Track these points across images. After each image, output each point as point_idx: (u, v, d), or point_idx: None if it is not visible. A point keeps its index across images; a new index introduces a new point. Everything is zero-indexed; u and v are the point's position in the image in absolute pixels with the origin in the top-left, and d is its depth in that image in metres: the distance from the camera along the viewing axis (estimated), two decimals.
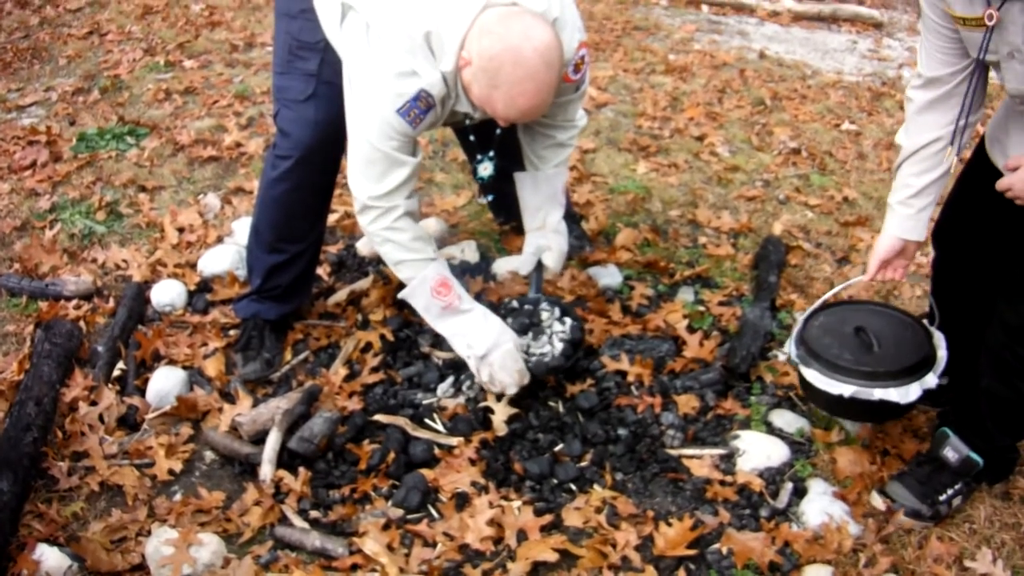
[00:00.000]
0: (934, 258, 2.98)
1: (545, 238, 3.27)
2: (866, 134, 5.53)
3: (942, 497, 2.81)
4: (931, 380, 2.80)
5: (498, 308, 3.27)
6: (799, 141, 5.36)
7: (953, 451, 2.80)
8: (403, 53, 2.55)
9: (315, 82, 2.95)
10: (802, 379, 2.89)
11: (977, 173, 2.67)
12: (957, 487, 2.83)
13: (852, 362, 2.80)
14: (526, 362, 3.08)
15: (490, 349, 2.90)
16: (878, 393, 2.76)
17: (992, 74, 2.40)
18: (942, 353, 2.86)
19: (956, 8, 2.26)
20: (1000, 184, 2.47)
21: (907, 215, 2.67)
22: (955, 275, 2.92)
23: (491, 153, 3.11)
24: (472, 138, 3.17)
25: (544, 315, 3.27)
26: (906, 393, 2.76)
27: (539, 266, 3.31)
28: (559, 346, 3.18)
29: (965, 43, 2.37)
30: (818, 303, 2.99)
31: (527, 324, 3.21)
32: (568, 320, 3.27)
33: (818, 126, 5.64)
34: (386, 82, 2.59)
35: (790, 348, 2.93)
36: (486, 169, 3.14)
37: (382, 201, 2.76)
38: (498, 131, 3.01)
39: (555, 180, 3.24)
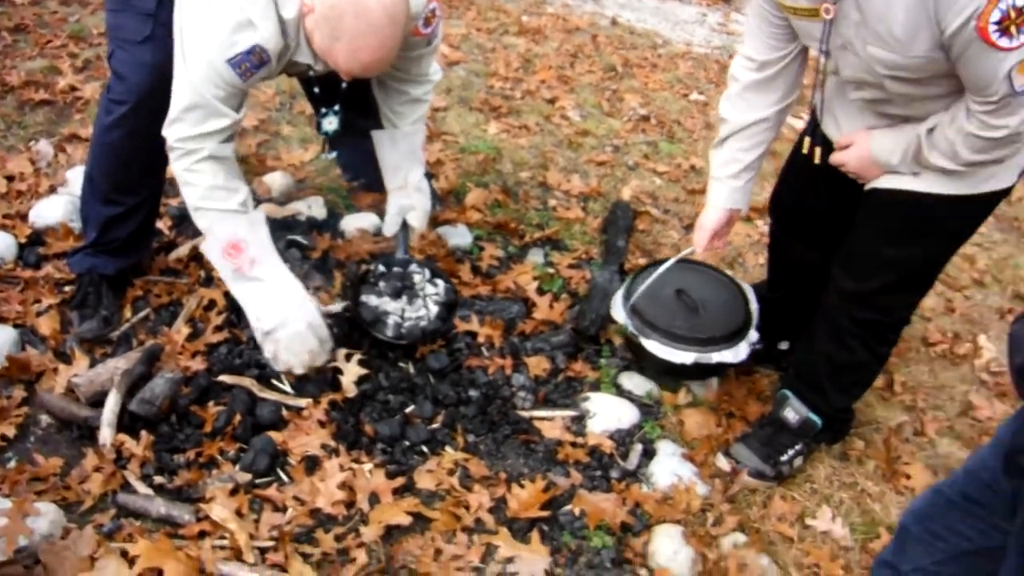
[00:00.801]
0: (771, 227, 3.07)
1: (408, 197, 3.20)
2: (713, 105, 5.63)
3: (783, 457, 2.89)
4: (754, 335, 3.03)
5: (368, 272, 3.21)
6: (649, 109, 5.43)
7: (793, 412, 2.88)
8: (240, 1, 2.45)
9: (152, 23, 2.77)
10: (638, 347, 2.98)
11: (808, 144, 2.75)
12: (798, 447, 2.92)
13: (687, 329, 2.96)
14: (399, 327, 3.05)
15: (277, 326, 2.75)
16: (715, 357, 2.95)
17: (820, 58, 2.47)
18: (754, 306, 3.09)
19: None
20: (834, 159, 2.56)
21: (735, 187, 2.77)
22: (791, 243, 3.02)
23: (336, 107, 3.03)
24: (317, 90, 3.06)
25: (416, 278, 3.22)
26: (737, 352, 2.99)
27: (404, 226, 3.25)
28: (434, 309, 3.15)
29: (797, 31, 2.45)
30: (648, 278, 3.05)
31: (399, 287, 3.16)
32: (440, 282, 3.24)
33: (667, 95, 5.72)
34: (221, 30, 2.47)
35: (621, 317, 3.01)
36: (331, 124, 3.06)
37: (188, 143, 2.62)
38: (344, 84, 2.93)
39: (414, 137, 3.19)
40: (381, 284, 3.15)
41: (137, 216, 3.10)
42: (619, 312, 3.08)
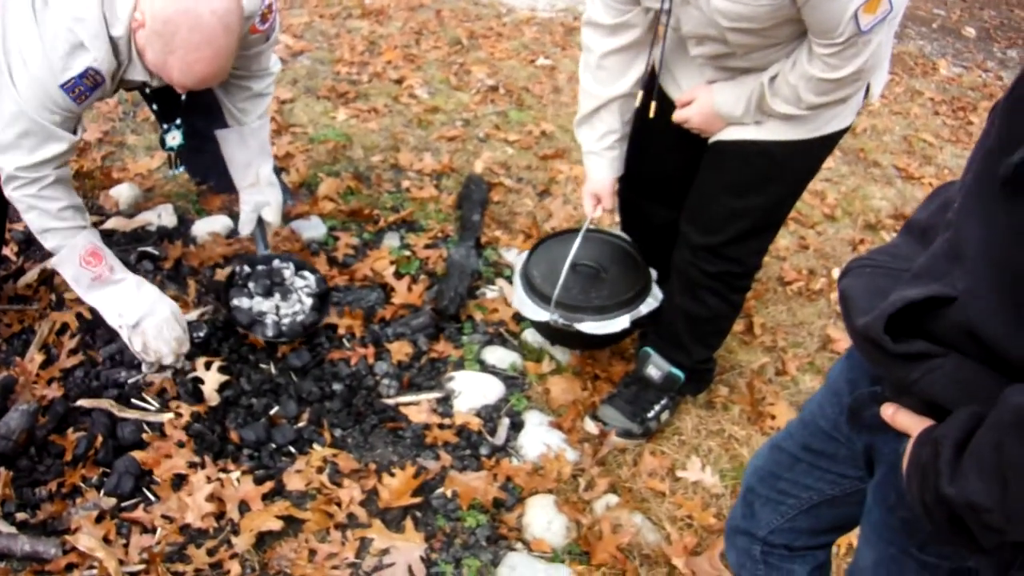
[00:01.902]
0: (620, 188, 3.08)
1: (261, 193, 3.16)
2: (560, 68, 5.65)
3: (650, 414, 2.94)
4: (654, 272, 3.05)
5: (234, 275, 3.15)
6: (496, 78, 5.42)
7: (656, 369, 2.93)
8: (73, 21, 2.36)
9: None
10: (568, 335, 2.98)
11: (650, 102, 2.77)
12: (663, 402, 2.97)
13: (609, 296, 2.95)
14: (278, 325, 3.02)
15: (142, 317, 2.76)
16: (644, 308, 2.95)
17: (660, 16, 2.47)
18: (633, 243, 3.13)
19: None
20: (676, 117, 2.58)
21: (614, 156, 2.79)
22: (640, 202, 3.04)
23: (177, 121, 2.98)
24: (155, 107, 2.99)
25: (285, 273, 3.19)
26: (656, 295, 3.01)
27: (260, 223, 3.21)
28: (308, 301, 3.13)
29: None
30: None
31: (269, 285, 3.12)
32: (308, 274, 3.22)
33: (514, 63, 5.71)
34: (52, 55, 2.39)
35: (541, 316, 2.96)
36: (174, 139, 3.01)
37: (30, 172, 2.57)
38: (183, 97, 2.87)
39: (261, 132, 3.14)
40: (251, 285, 3.11)
41: None
42: (533, 311, 2.99)
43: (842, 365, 1.63)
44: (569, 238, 2.98)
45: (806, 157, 2.54)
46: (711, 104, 2.49)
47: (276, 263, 3.21)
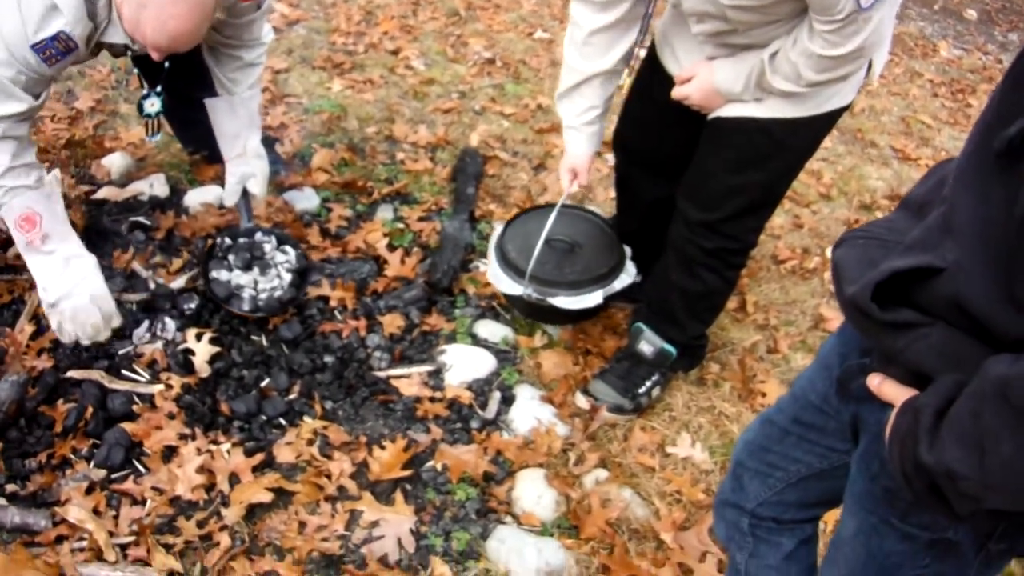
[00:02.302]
0: (616, 163, 3.08)
1: (248, 164, 3.13)
2: (558, 42, 5.61)
3: (641, 389, 2.94)
4: (627, 249, 3.08)
5: (215, 246, 3.14)
6: (493, 51, 5.39)
7: (648, 345, 2.93)
8: None
9: None
10: (543, 309, 2.99)
11: (650, 77, 2.76)
12: (655, 378, 2.97)
13: (581, 271, 2.98)
14: (255, 299, 3.01)
15: (61, 298, 2.70)
16: (617, 284, 2.98)
17: None
18: (606, 219, 3.16)
19: None
20: (676, 93, 2.56)
21: (593, 131, 2.78)
22: (637, 177, 3.03)
23: (158, 88, 2.95)
24: (137, 71, 2.97)
25: (266, 247, 3.17)
26: (630, 270, 3.05)
27: (245, 194, 3.19)
28: (287, 277, 3.12)
29: None
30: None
31: (249, 259, 3.11)
32: (289, 249, 3.20)
33: (512, 35, 5.68)
34: (27, 15, 2.35)
35: (515, 289, 2.98)
36: (152, 105, 2.97)
37: None
38: (167, 64, 2.85)
39: (251, 103, 3.11)
40: (230, 257, 3.09)
41: None
42: (508, 284, 3.01)
43: (834, 340, 1.64)
44: (544, 213, 2.98)
45: (806, 135, 2.53)
46: (711, 81, 2.47)
47: (259, 236, 3.20)
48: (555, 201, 2.97)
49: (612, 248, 3.04)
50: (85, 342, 2.78)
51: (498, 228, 3.23)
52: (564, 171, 2.88)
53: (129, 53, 2.71)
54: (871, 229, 1.34)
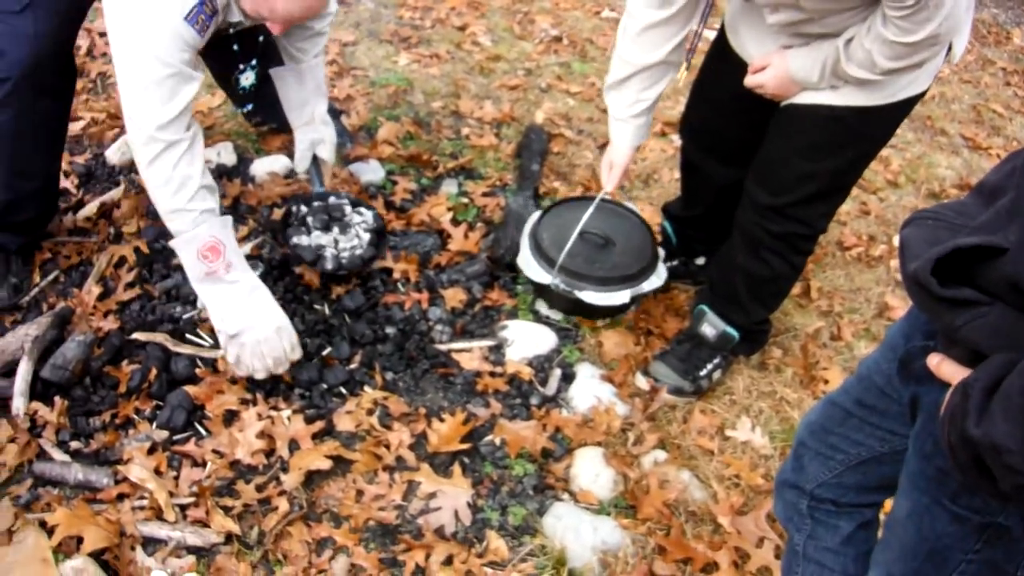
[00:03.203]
0: (682, 146, 3.05)
1: (316, 131, 3.15)
2: None
3: (702, 372, 2.92)
4: (661, 251, 3.13)
5: (289, 214, 3.16)
6: (560, 29, 5.36)
7: (710, 327, 2.91)
8: None
9: None
10: (571, 300, 3.00)
11: (719, 63, 2.73)
12: (716, 361, 2.95)
13: (611, 268, 3.00)
14: (337, 258, 3.03)
15: (243, 330, 2.61)
16: (646, 286, 2.99)
17: None
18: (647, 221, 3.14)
19: None
20: (749, 82, 2.53)
21: (639, 125, 2.76)
22: (703, 161, 3.01)
23: (254, 62, 2.96)
24: (236, 48, 2.95)
25: (345, 208, 3.20)
26: (660, 274, 3.05)
27: (315, 160, 3.21)
28: (366, 236, 3.14)
29: None
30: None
31: (327, 220, 3.13)
32: (364, 210, 3.23)
33: (579, 14, 5.65)
34: None
35: (543, 278, 3.01)
36: (248, 79, 2.99)
37: (168, 131, 2.43)
38: (261, 37, 2.87)
39: (317, 71, 3.12)
40: (309, 220, 3.12)
41: (37, 198, 3.00)
42: (537, 272, 3.03)
43: (900, 322, 1.65)
44: (583, 204, 2.99)
45: (881, 123, 2.49)
46: (786, 69, 2.43)
47: (331, 200, 3.21)
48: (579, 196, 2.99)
49: (645, 248, 3.06)
50: (262, 376, 2.68)
51: (534, 214, 3.23)
52: (605, 164, 2.88)
53: (231, 30, 2.72)
54: (941, 211, 1.34)
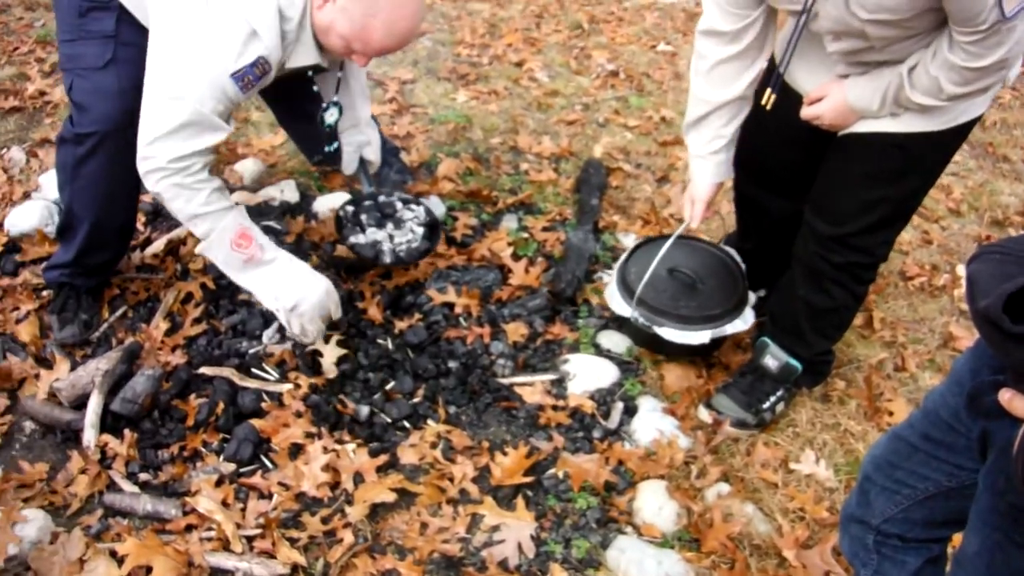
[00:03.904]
0: (736, 179, 3.04)
1: (362, 133, 3.21)
2: (682, 54, 5.59)
3: (765, 404, 2.90)
4: (753, 297, 3.08)
5: (341, 218, 3.21)
6: (617, 64, 5.39)
7: (773, 359, 2.89)
8: (248, 11, 2.38)
9: (113, 44, 2.68)
10: (648, 335, 2.99)
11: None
12: (779, 393, 2.93)
13: (695, 308, 2.97)
14: (395, 252, 3.10)
15: (300, 299, 2.75)
16: (729, 329, 2.97)
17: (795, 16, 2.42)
18: (742, 265, 3.15)
19: None
20: (806, 114, 2.53)
21: (720, 161, 2.77)
22: (759, 193, 3.01)
23: (335, 98, 3.01)
24: (316, 88, 3.00)
25: (397, 204, 3.26)
26: (746, 319, 3.03)
27: (362, 162, 3.27)
28: (419, 230, 3.20)
29: None
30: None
31: (380, 217, 3.20)
32: (414, 206, 3.28)
33: (635, 48, 5.68)
34: (227, 44, 2.40)
35: (624, 311, 3.01)
36: (332, 116, 3.02)
37: (180, 162, 2.52)
38: (339, 74, 2.92)
39: (360, 76, 3.18)
40: (363, 218, 3.18)
41: (113, 244, 3.10)
42: (620, 305, 3.04)
43: (967, 356, 1.63)
44: (676, 241, 2.97)
45: (941, 148, 2.48)
46: (844, 99, 2.43)
47: (381, 199, 3.28)
48: (678, 215, 2.98)
49: (734, 291, 3.04)
50: (317, 339, 2.90)
51: (629, 245, 3.23)
52: (686, 201, 2.89)
53: (310, 73, 2.78)
54: (1008, 245, 1.32)
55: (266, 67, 2.48)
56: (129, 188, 2.95)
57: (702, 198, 2.84)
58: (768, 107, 2.56)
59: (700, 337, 2.91)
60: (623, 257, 3.16)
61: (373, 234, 3.16)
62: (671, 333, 2.92)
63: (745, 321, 2.99)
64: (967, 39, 2.07)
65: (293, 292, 2.75)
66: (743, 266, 3.14)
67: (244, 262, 2.71)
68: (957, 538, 2.03)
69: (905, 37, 2.23)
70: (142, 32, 2.63)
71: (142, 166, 2.56)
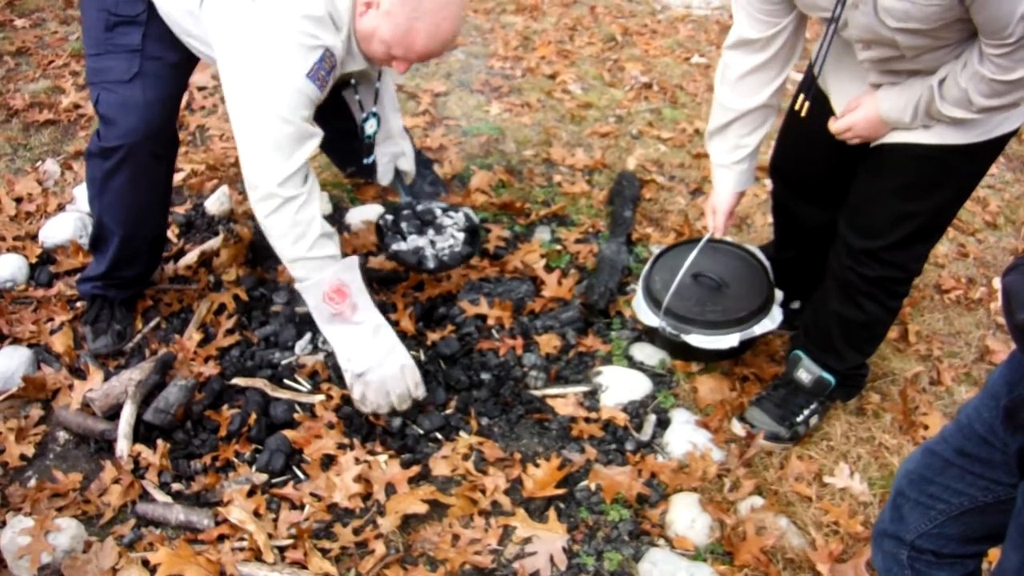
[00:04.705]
0: (773, 189, 3.03)
1: (396, 145, 3.21)
2: (715, 66, 5.51)
3: (799, 418, 2.88)
4: (779, 294, 3.07)
5: (381, 228, 3.23)
6: (650, 76, 5.38)
7: (806, 372, 2.87)
8: (301, 17, 2.38)
9: (140, 58, 2.70)
10: (678, 344, 2.99)
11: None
12: (813, 407, 2.91)
13: (722, 312, 2.96)
14: (438, 257, 3.11)
15: (370, 369, 2.70)
16: (757, 330, 2.95)
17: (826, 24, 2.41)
18: (767, 263, 3.14)
19: None
20: (838, 126, 2.51)
21: (742, 171, 2.77)
22: (795, 204, 2.99)
23: (374, 109, 3.02)
24: (358, 97, 3.01)
25: (436, 211, 3.28)
26: (774, 318, 3.00)
27: (398, 173, 3.28)
28: (460, 236, 3.22)
29: (798, 2, 2.39)
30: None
31: (420, 224, 3.21)
32: (454, 212, 3.30)
33: (668, 60, 5.67)
34: (291, 47, 2.40)
35: (652, 320, 3.01)
36: (371, 126, 3.03)
37: (287, 187, 2.49)
38: (378, 84, 2.93)
39: (390, 87, 3.18)
40: (403, 225, 3.20)
41: (145, 256, 3.13)
42: (647, 315, 3.04)
43: (1002, 370, 1.61)
44: (695, 248, 2.97)
45: (975, 161, 2.45)
46: (876, 111, 2.41)
47: (419, 207, 3.29)
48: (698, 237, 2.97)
49: (761, 291, 3.02)
50: (385, 411, 2.81)
51: (651, 258, 3.23)
52: (709, 209, 2.89)
53: (352, 81, 2.80)
54: None
55: (333, 59, 2.48)
56: (158, 201, 2.99)
57: (723, 208, 2.85)
58: (803, 113, 2.56)
59: (728, 341, 2.91)
60: (646, 267, 3.16)
61: (415, 241, 3.17)
62: (699, 339, 2.92)
63: (773, 320, 2.98)
64: (996, 52, 2.05)
65: (366, 359, 2.71)
66: (767, 263, 3.13)
67: (332, 315, 2.68)
68: (992, 554, 2.02)
69: (936, 47, 2.22)
70: (168, 46, 2.66)
71: (252, 195, 2.55)
